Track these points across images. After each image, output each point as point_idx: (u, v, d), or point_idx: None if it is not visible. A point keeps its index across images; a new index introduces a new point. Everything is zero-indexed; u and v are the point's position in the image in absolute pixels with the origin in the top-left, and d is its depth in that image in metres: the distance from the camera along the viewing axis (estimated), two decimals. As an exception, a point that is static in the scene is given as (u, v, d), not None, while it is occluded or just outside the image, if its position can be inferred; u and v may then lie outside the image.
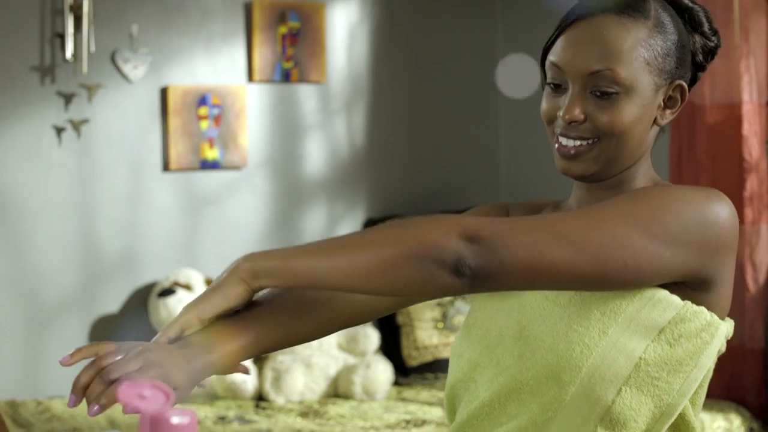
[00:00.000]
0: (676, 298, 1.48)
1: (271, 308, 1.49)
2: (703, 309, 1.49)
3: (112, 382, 1.23)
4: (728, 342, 1.59)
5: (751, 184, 3.44)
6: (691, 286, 1.49)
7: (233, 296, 1.36)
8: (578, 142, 1.49)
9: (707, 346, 1.49)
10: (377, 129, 4.18)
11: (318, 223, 4.04)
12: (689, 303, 1.48)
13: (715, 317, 1.50)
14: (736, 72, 3.44)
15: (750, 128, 3.44)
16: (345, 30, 4.12)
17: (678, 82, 1.50)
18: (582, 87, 1.48)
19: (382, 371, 3.52)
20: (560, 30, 1.51)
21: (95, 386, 1.25)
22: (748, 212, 3.42)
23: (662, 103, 1.51)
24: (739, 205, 3.33)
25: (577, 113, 1.47)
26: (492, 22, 4.38)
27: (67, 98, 3.61)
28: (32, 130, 3.59)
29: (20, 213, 3.57)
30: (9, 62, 3.57)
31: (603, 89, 1.46)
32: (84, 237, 3.67)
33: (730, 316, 1.56)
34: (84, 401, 1.27)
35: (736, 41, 3.41)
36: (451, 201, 4.24)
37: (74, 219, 3.65)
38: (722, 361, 3.42)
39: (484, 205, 1.73)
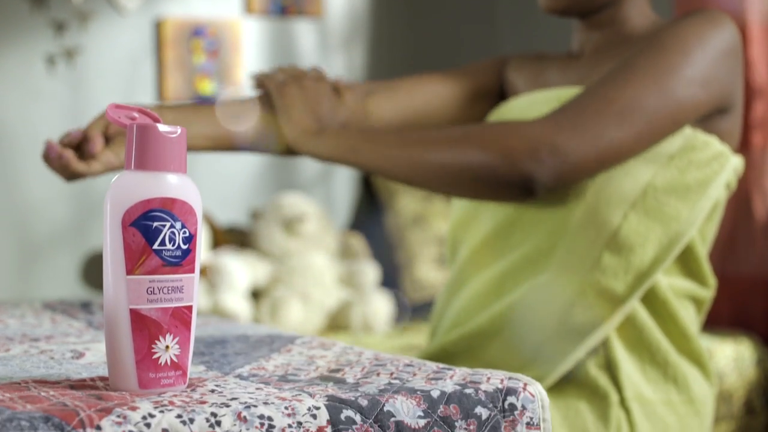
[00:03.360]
0: (686, 127, 1.49)
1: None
2: (713, 139, 1.52)
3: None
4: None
5: (759, 109, 3.34)
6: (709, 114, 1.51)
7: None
8: None
9: (716, 176, 1.50)
10: (376, 66, 4.10)
11: (315, 163, 3.96)
12: (698, 132, 1.49)
13: (726, 148, 1.52)
14: (743, -6, 3.35)
15: (757, 51, 3.35)
16: (343, -36, 4.05)
17: None
18: None
19: (382, 306, 3.45)
20: None
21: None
22: (756, 138, 3.32)
23: None
24: (746, 131, 3.23)
25: None
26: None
27: (59, 26, 3.52)
28: (22, 60, 3.51)
29: (10, 144, 3.49)
30: (-1, -11, 3.50)
31: None
32: (76, 170, 3.58)
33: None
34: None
35: (743, -37, 3.33)
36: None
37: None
38: (731, 290, 3.34)
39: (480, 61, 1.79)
